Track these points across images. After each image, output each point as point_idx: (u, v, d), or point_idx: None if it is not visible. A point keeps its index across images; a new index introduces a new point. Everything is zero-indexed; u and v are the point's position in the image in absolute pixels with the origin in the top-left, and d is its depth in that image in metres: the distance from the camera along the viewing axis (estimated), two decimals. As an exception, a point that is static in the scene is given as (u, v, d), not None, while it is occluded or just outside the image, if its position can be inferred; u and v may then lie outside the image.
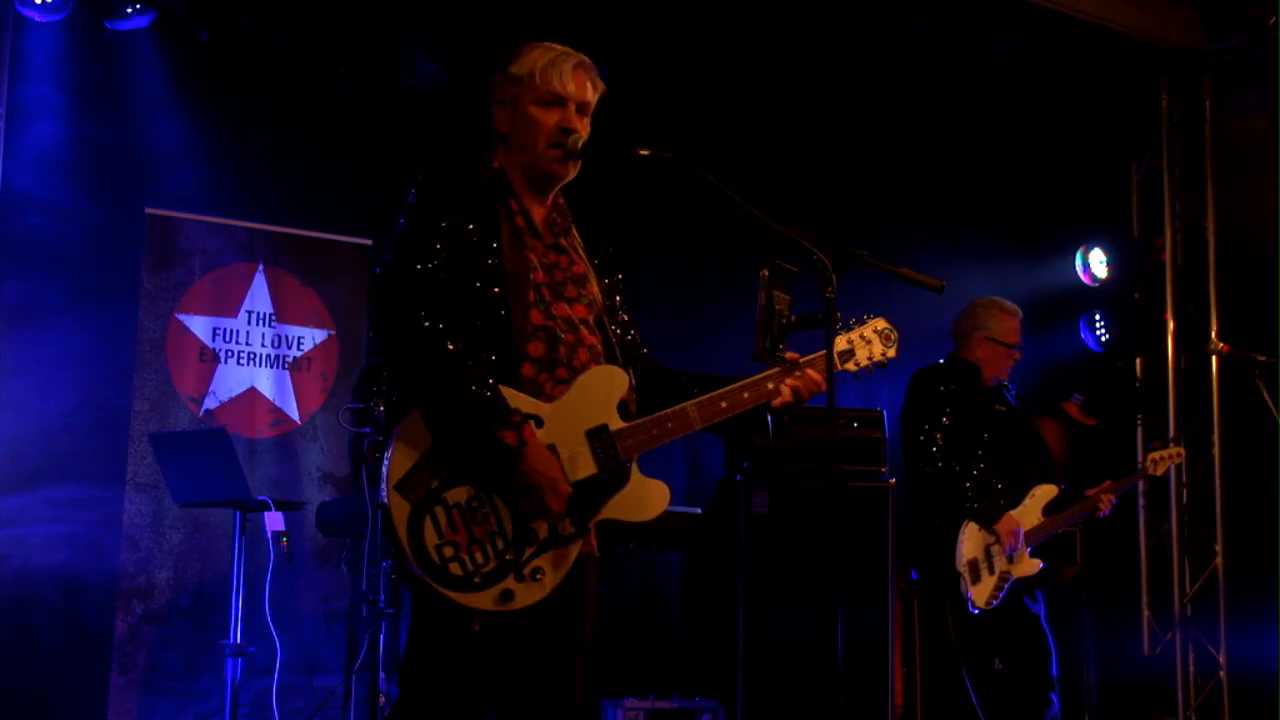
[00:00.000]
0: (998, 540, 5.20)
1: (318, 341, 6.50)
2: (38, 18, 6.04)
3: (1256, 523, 7.34)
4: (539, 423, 2.99)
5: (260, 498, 5.50)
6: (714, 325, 6.63)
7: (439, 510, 2.93)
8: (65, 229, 6.12)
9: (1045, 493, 5.40)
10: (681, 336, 6.61)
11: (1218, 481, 7.67)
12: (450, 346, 2.92)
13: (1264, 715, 6.97)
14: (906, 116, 7.48)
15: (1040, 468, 5.49)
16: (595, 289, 3.22)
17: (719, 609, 6.44)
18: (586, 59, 3.20)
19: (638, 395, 3.20)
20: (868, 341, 3.31)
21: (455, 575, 2.92)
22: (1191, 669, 7.67)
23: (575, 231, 3.28)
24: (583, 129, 3.16)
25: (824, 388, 3.18)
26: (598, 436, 3.06)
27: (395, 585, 5.31)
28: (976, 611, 5.18)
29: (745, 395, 3.18)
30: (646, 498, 3.12)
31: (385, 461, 2.96)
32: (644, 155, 3.11)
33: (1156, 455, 5.90)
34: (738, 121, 7.21)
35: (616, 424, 3.09)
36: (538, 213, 3.20)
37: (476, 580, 2.92)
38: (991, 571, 5.22)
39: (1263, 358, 6.03)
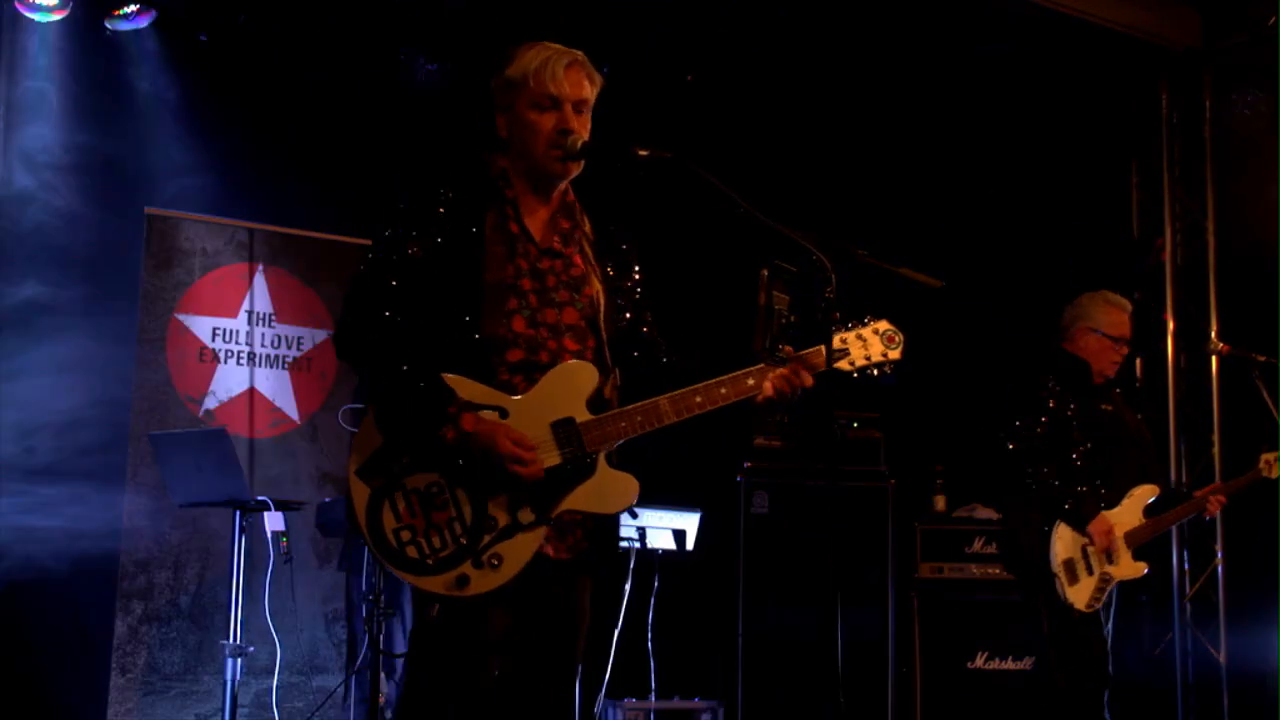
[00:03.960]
0: (1092, 541, 5.12)
1: (317, 341, 6.50)
2: (37, 17, 6.04)
3: (1256, 522, 7.33)
4: (503, 414, 3.01)
5: (260, 498, 5.50)
6: (714, 325, 6.63)
7: (398, 496, 2.98)
8: (65, 229, 6.12)
9: (1145, 493, 5.25)
10: (682, 336, 6.60)
11: (1218, 481, 7.66)
12: (394, 352, 3.00)
13: (1264, 715, 6.97)
14: (906, 116, 7.48)
15: (1142, 468, 5.36)
16: (595, 290, 3.21)
17: (719, 609, 6.45)
18: (580, 55, 3.19)
19: (631, 382, 3.20)
20: (865, 341, 3.25)
21: (411, 558, 2.97)
22: (1191, 668, 7.66)
23: (587, 229, 3.27)
24: (581, 127, 3.16)
25: (809, 384, 3.15)
26: (563, 427, 3.06)
27: (394, 585, 5.32)
28: (1077, 616, 5.08)
29: (723, 391, 3.15)
30: (612, 490, 3.10)
31: (349, 450, 3.04)
32: (644, 155, 3.11)
33: (1271, 456, 5.67)
34: (737, 121, 7.21)
35: (585, 416, 3.08)
36: (539, 216, 3.20)
37: (430, 563, 2.96)
38: (1090, 573, 5.09)
39: (1262, 358, 6.03)
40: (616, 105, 3.36)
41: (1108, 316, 5.36)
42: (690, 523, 6.43)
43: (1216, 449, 7.66)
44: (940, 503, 7.02)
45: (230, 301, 6.35)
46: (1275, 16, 7.24)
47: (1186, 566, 7.72)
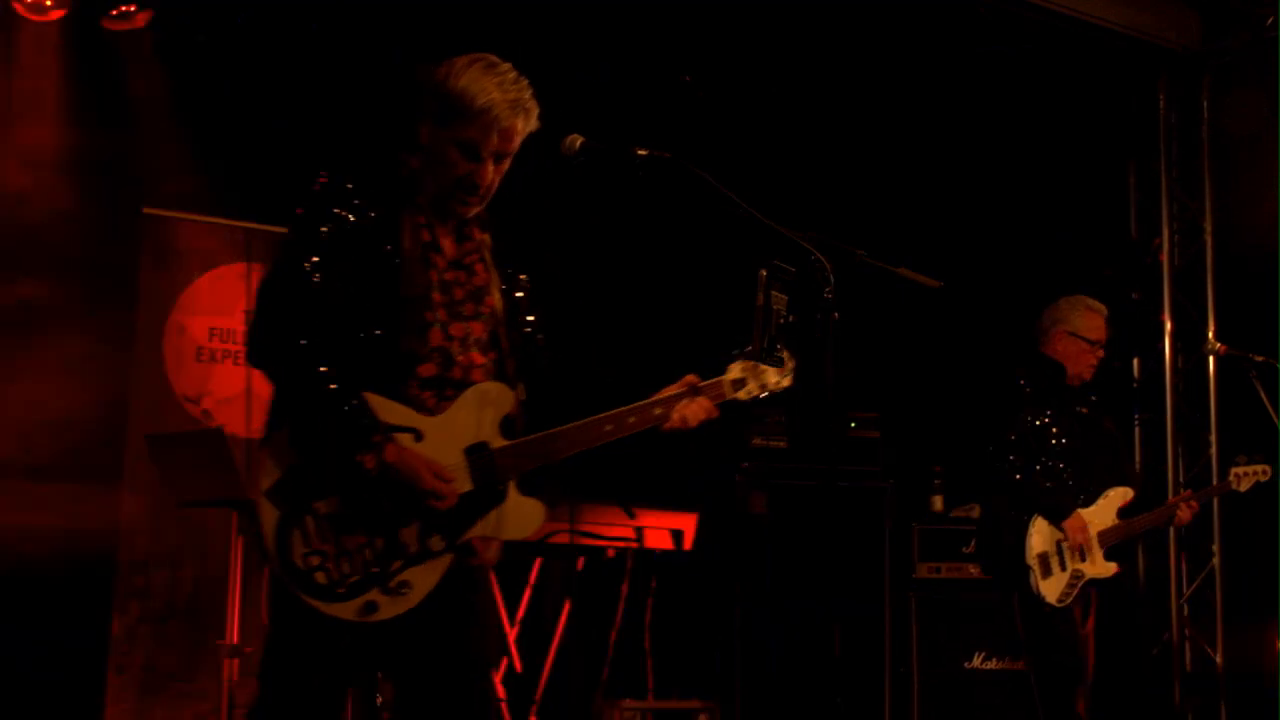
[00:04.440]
0: (1066, 537, 5.20)
1: (315, 341, 6.49)
2: (35, 16, 6.03)
3: (1254, 523, 7.33)
4: (418, 436, 2.97)
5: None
6: (712, 326, 6.63)
7: (309, 520, 2.91)
8: (62, 229, 6.10)
9: (1120, 495, 5.36)
10: (678, 337, 6.61)
11: (1214, 482, 7.67)
12: (318, 368, 2.90)
13: (1262, 715, 6.98)
14: (904, 117, 7.48)
15: (1118, 471, 5.48)
16: (496, 300, 3.17)
17: (717, 609, 6.44)
18: (528, 97, 3.07)
19: (537, 404, 3.18)
20: (761, 371, 3.28)
21: (319, 584, 2.90)
22: (1189, 668, 7.67)
23: (486, 237, 3.20)
24: (496, 176, 3.09)
25: (715, 415, 3.18)
26: (476, 453, 3.04)
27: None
28: (1048, 610, 5.18)
29: (631, 420, 3.15)
30: (521, 517, 3.10)
31: (259, 466, 2.94)
32: (643, 156, 3.10)
33: (1241, 470, 5.70)
34: (734, 121, 7.20)
35: (498, 442, 3.06)
36: (448, 224, 3.14)
37: (341, 590, 2.91)
38: (1063, 568, 5.21)
39: (1260, 358, 6.04)
40: (616, 105, 3.35)
41: (1085, 321, 5.46)
42: (688, 523, 6.43)
43: (1214, 449, 7.67)
44: (938, 503, 7.04)
45: (228, 301, 6.34)
46: (1274, 17, 7.24)
47: (1184, 566, 7.74)
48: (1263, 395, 5.96)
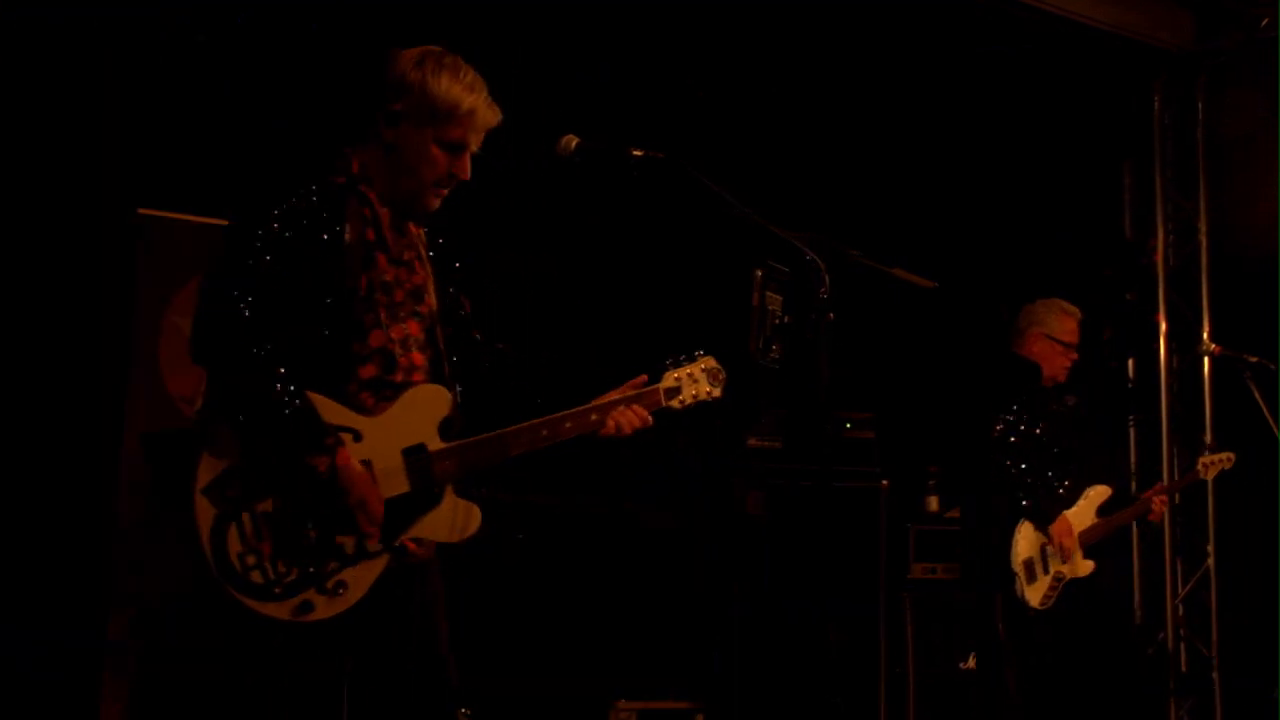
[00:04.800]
0: (1051, 541, 5.22)
1: (310, 342, 6.49)
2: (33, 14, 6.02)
3: (1248, 524, 7.35)
4: (357, 436, 2.98)
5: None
6: (703, 326, 6.64)
7: (245, 518, 2.90)
8: (57, 229, 6.10)
9: (1099, 493, 5.44)
10: (670, 336, 6.60)
11: (1209, 482, 7.67)
12: (266, 366, 2.88)
13: (1257, 716, 6.99)
14: (899, 118, 7.48)
15: (1096, 469, 5.52)
16: (432, 298, 3.18)
17: (711, 608, 6.44)
18: (497, 112, 3.14)
19: (478, 405, 3.20)
20: (695, 380, 3.34)
21: (255, 583, 2.90)
22: (1184, 670, 7.68)
23: (420, 231, 3.21)
24: (467, 176, 3.14)
25: (649, 423, 3.23)
26: (414, 455, 3.05)
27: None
28: (1032, 614, 5.20)
29: (567, 425, 3.18)
30: (458, 519, 3.11)
31: (194, 465, 2.93)
32: (638, 156, 3.11)
33: (1207, 459, 5.91)
34: (729, 122, 7.20)
35: (436, 444, 3.07)
36: (388, 223, 3.13)
37: (277, 590, 2.91)
38: (1046, 572, 5.24)
39: (1254, 359, 6.07)
40: (611, 105, 3.36)
41: (1060, 323, 5.52)
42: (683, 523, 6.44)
43: (1209, 450, 7.67)
44: (933, 503, 7.04)
45: (224, 302, 6.34)
46: (1269, 18, 7.25)
47: (1179, 567, 7.75)
48: (1257, 395, 5.99)
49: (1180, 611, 7.70)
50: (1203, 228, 7.85)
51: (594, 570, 6.36)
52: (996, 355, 5.59)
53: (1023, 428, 5.31)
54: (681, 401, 3.32)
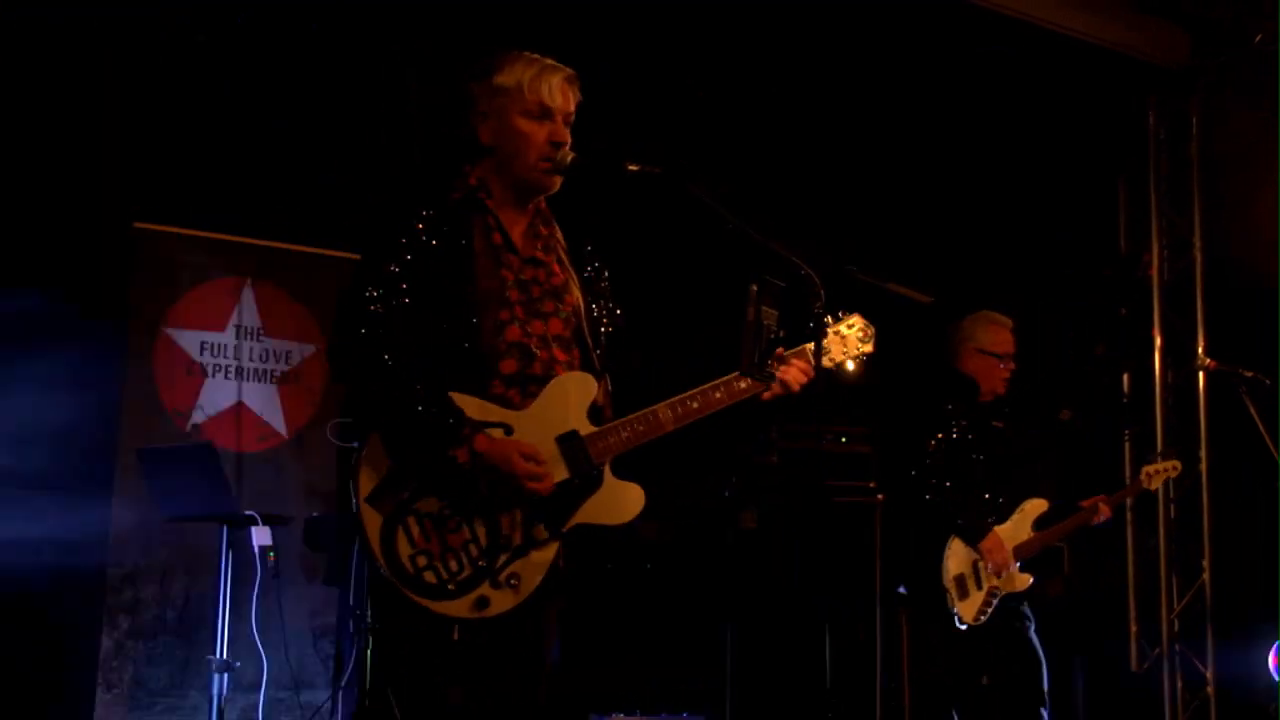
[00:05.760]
0: (983, 557, 5.23)
1: (306, 356, 6.49)
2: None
3: (1244, 539, 7.35)
4: (508, 431, 3.01)
5: (247, 512, 5.49)
6: (702, 341, 6.63)
7: (411, 521, 2.95)
8: (53, 241, 6.10)
9: (1035, 507, 5.42)
10: (670, 352, 6.61)
11: (1205, 497, 7.68)
12: (401, 373, 2.95)
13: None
14: (894, 132, 7.50)
15: (1033, 483, 5.50)
16: (577, 298, 3.23)
17: (707, 624, 6.44)
18: (571, 70, 3.22)
19: (624, 396, 3.22)
20: (842, 338, 3.37)
21: (430, 584, 2.94)
22: (1179, 685, 7.67)
23: (559, 236, 3.29)
24: (569, 140, 3.18)
25: (813, 374, 3.22)
26: (568, 441, 3.08)
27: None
28: (964, 627, 5.19)
29: (717, 395, 3.20)
30: (621, 500, 3.13)
31: (355, 476, 2.98)
32: (634, 170, 3.13)
33: (1152, 469, 5.89)
34: (729, 133, 7.22)
35: (587, 429, 3.10)
36: (518, 225, 3.21)
37: (451, 588, 2.95)
38: (980, 587, 5.24)
39: (1249, 373, 6.07)
40: (607, 118, 3.36)
41: (990, 335, 5.51)
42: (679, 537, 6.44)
43: (1204, 465, 7.68)
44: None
45: (218, 315, 6.34)
46: (1262, 34, 7.27)
47: (1174, 582, 7.75)
48: (1252, 410, 5.99)
49: (1176, 626, 7.70)
50: (1197, 243, 7.87)
51: (588, 584, 6.34)
52: (933, 371, 5.58)
53: (956, 441, 5.30)
54: (832, 359, 3.34)
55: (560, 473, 3.05)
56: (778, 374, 3.20)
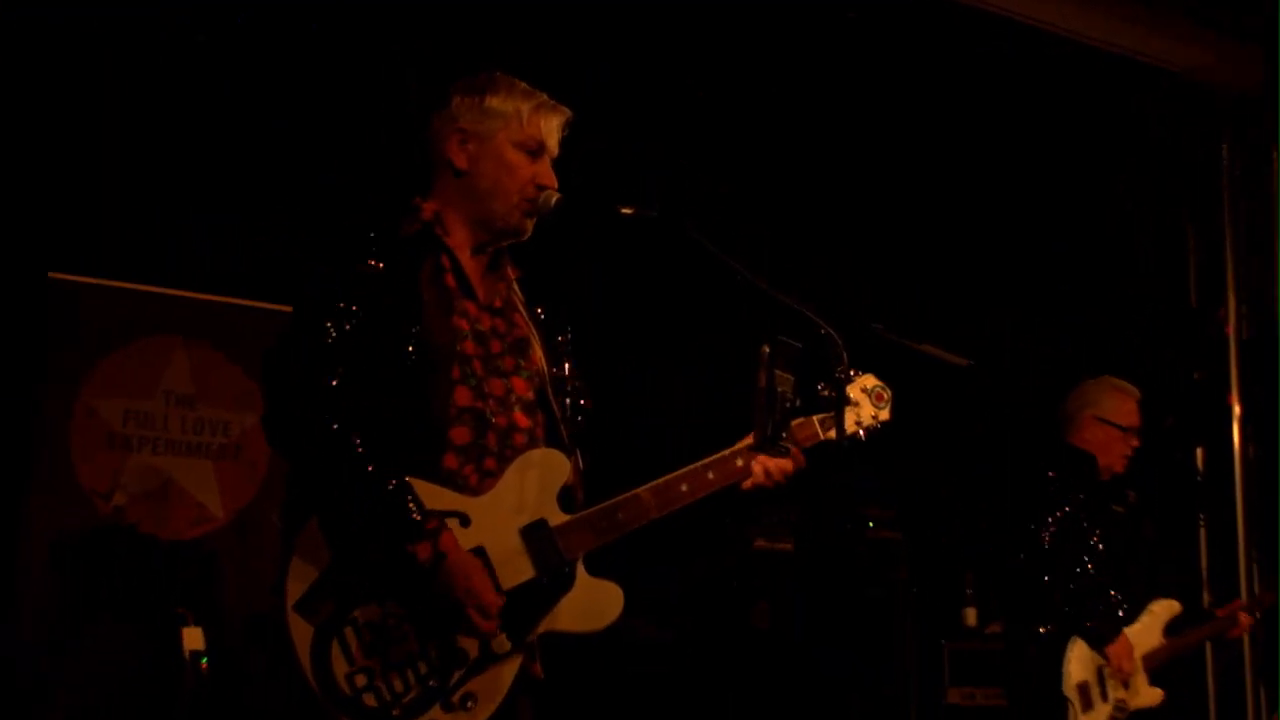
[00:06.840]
0: (1109, 663, 5.15)
1: (246, 426, 6.49)
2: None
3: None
4: (465, 521, 2.95)
5: (177, 611, 5.48)
6: (707, 411, 6.66)
7: (348, 632, 2.87)
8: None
9: (1165, 609, 5.34)
10: (669, 424, 6.63)
11: (1242, 598, 7.67)
12: (353, 447, 2.85)
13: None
14: (941, 172, 7.53)
15: (1157, 580, 5.46)
16: (539, 356, 3.21)
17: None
18: (570, 114, 3.26)
19: (588, 481, 3.19)
20: (855, 404, 3.32)
21: (370, 708, 2.86)
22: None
23: (517, 286, 3.27)
24: (555, 185, 3.21)
25: (803, 465, 3.19)
26: (534, 533, 3.01)
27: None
28: None
29: (710, 476, 3.16)
30: (596, 603, 3.08)
31: (282, 575, 2.89)
32: (628, 214, 3.15)
33: None
34: (738, 173, 7.28)
35: (557, 518, 3.05)
36: (475, 267, 3.19)
37: (395, 713, 2.87)
38: (1105, 699, 5.15)
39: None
40: (599, 156, 3.41)
41: (1116, 404, 5.49)
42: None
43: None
44: (971, 616, 7.02)
45: (145, 380, 6.34)
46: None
47: (1261, 694, 7.72)
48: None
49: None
50: (1279, 294, 7.90)
51: (579, 688, 6.33)
52: (1043, 445, 5.55)
53: (1075, 531, 5.26)
54: (842, 431, 3.25)
55: (524, 571, 2.99)
56: (757, 462, 3.16)
